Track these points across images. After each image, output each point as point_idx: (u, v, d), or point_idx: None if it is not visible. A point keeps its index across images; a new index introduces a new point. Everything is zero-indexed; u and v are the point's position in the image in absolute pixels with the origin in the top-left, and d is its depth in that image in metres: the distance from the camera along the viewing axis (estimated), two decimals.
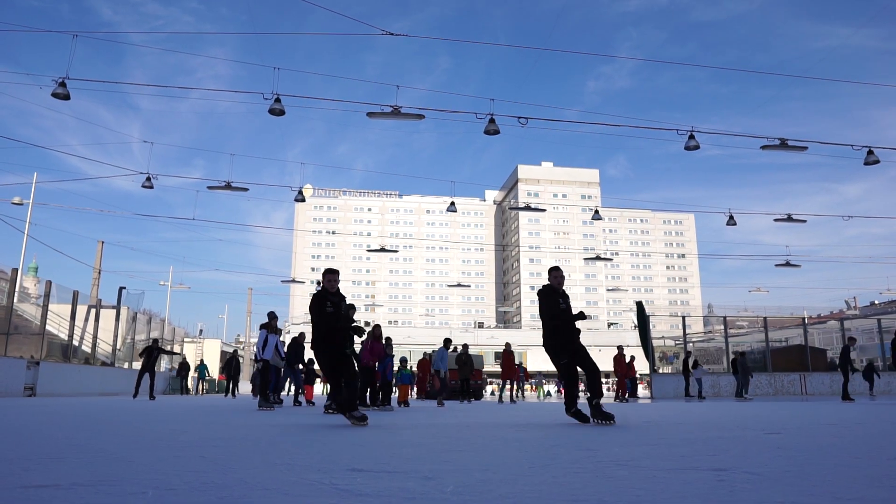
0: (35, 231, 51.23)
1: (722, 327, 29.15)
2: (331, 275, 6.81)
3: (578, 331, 6.91)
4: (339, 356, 6.66)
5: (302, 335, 14.94)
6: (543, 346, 6.87)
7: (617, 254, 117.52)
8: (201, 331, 61.65)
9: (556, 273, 7.01)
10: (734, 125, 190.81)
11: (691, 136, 17.86)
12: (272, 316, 12.50)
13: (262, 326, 12.58)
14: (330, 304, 6.60)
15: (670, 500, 2.10)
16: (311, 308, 6.66)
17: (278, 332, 12.67)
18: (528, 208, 32.44)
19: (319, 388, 33.69)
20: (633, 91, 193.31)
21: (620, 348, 21.37)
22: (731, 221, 24.93)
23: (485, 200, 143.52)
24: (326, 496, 2.16)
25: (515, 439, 4.84)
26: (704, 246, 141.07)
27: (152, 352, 17.80)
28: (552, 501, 2.09)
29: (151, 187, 21.08)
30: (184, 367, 30.20)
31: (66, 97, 15.32)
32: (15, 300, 18.95)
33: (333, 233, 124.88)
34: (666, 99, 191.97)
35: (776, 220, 25.57)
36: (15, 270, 19.26)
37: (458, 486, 2.40)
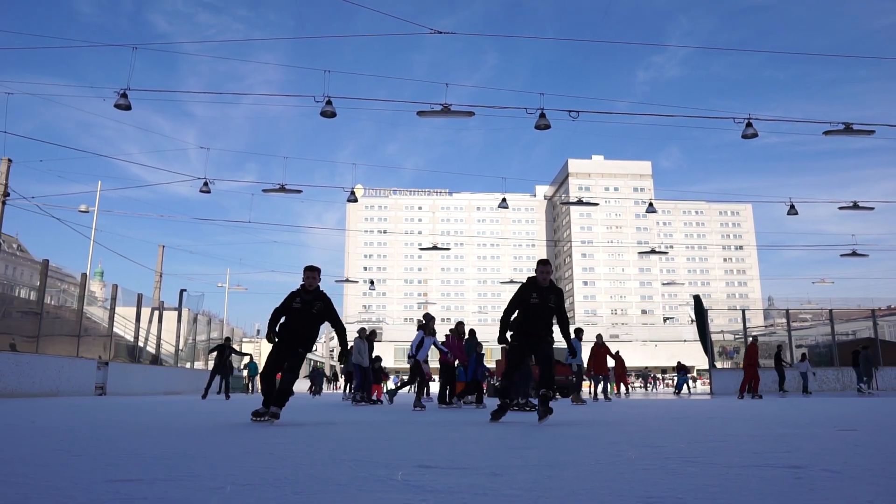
0: (100, 237, 53.28)
1: (784, 320, 28.24)
2: (309, 272, 6.44)
3: (549, 332, 6.48)
4: (289, 352, 6.35)
5: (371, 331, 15.25)
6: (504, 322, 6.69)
7: (672, 247, 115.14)
8: (258, 331, 63.14)
9: (542, 268, 6.51)
10: (794, 111, 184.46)
11: (749, 124, 17.32)
12: (429, 318, 12.34)
13: (420, 328, 12.59)
14: (299, 301, 6.33)
15: (748, 497, 2.05)
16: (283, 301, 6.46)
17: (434, 333, 12.57)
18: (579, 203, 32.01)
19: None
20: (685, 80, 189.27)
21: (755, 338, 20.33)
22: (793, 211, 24.10)
23: (535, 196, 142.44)
24: (399, 491, 2.19)
25: (580, 436, 4.81)
26: (763, 237, 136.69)
27: (224, 350, 17.87)
28: (625, 498, 2.06)
29: (209, 192, 21.68)
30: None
31: (128, 108, 15.84)
32: (84, 304, 19.72)
33: (385, 232, 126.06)
34: (720, 87, 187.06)
35: (841, 208, 24.68)
36: (84, 275, 20.04)
37: (528, 482, 2.39)
